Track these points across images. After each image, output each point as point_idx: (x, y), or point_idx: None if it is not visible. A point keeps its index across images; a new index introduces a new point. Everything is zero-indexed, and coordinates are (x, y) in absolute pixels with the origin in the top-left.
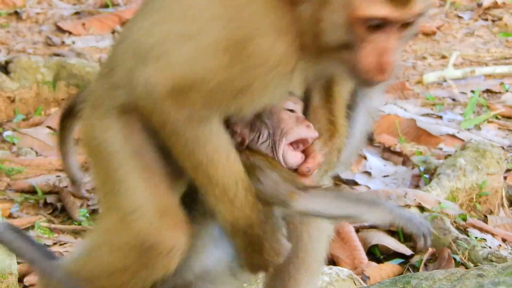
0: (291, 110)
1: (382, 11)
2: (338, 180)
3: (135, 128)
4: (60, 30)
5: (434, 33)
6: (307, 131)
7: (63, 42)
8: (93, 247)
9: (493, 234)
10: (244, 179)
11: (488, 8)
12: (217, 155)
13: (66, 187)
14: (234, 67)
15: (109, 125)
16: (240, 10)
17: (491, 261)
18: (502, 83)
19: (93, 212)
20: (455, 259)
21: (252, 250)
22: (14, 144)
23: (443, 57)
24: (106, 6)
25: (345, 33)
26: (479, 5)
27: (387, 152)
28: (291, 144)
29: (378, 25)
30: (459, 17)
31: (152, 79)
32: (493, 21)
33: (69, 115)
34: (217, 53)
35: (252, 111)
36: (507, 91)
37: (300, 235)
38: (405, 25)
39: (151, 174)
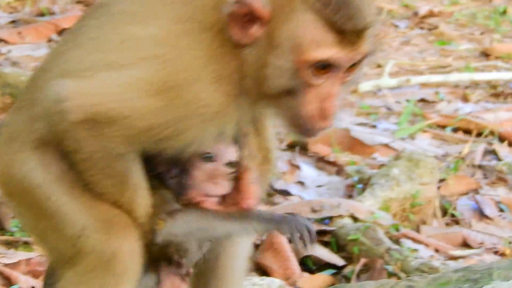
0: (210, 159)
1: (332, 52)
2: (271, 190)
3: (53, 157)
4: None
5: None
6: (214, 189)
7: None
8: None
9: (425, 245)
10: (145, 209)
11: (424, 17)
12: (123, 188)
13: None
14: (166, 113)
15: (26, 159)
16: (181, 53)
17: (423, 271)
18: (437, 92)
19: None
20: (387, 270)
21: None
22: None
23: (379, 66)
24: (43, 14)
25: (290, 78)
26: (416, 14)
27: (321, 162)
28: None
29: (325, 68)
30: (395, 25)
31: (71, 98)
32: (429, 29)
33: None
34: (149, 95)
35: (175, 153)
36: (442, 100)
37: (218, 252)
38: (352, 66)
39: (81, 193)
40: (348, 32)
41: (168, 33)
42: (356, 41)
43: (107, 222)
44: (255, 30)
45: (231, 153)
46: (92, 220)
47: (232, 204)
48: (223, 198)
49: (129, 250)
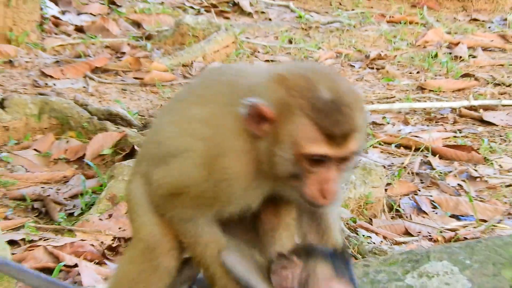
0: None
1: (322, 150)
2: None
3: (150, 187)
4: (44, 74)
5: None
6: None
7: (46, 84)
8: (121, 264)
9: (376, 233)
10: (221, 267)
11: (374, 59)
12: (198, 246)
13: (49, 195)
14: (209, 180)
15: (136, 182)
16: (219, 132)
17: (375, 253)
18: (384, 117)
19: (69, 215)
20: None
21: None
22: (8, 162)
23: None
24: (79, 56)
25: (293, 166)
26: (367, 57)
27: None
28: None
29: (319, 160)
30: (352, 66)
31: (159, 180)
32: (378, 69)
33: None
34: (199, 167)
35: (232, 213)
36: (388, 123)
37: None
38: (342, 160)
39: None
40: (336, 135)
41: (213, 115)
42: (342, 143)
43: (161, 227)
44: (265, 127)
45: None
46: (152, 223)
47: None
48: None
49: (166, 252)
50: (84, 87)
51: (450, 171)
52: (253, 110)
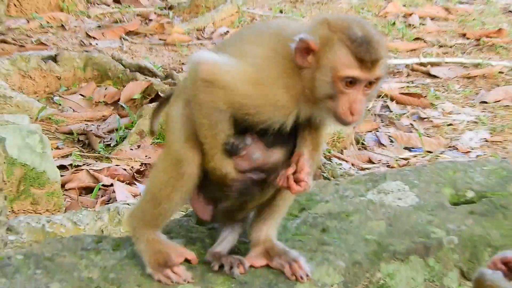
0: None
1: (355, 72)
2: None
3: (188, 110)
4: (89, 36)
5: None
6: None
7: (90, 44)
8: (152, 173)
9: (346, 161)
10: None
11: None
12: (213, 128)
13: (91, 130)
14: (253, 98)
15: (177, 106)
16: (268, 68)
17: (344, 176)
18: None
19: (107, 146)
20: (323, 175)
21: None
22: (60, 105)
23: None
24: (116, 22)
25: (330, 88)
26: None
27: None
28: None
29: (351, 82)
30: None
31: (203, 60)
32: None
33: (163, 102)
34: (247, 84)
35: (253, 123)
36: None
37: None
38: (370, 84)
39: (189, 128)
40: (366, 60)
41: (264, 55)
42: (371, 67)
43: (188, 140)
44: (310, 58)
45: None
46: (182, 137)
47: (288, 181)
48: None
49: (191, 163)
50: (119, 46)
51: (404, 113)
52: (301, 44)
